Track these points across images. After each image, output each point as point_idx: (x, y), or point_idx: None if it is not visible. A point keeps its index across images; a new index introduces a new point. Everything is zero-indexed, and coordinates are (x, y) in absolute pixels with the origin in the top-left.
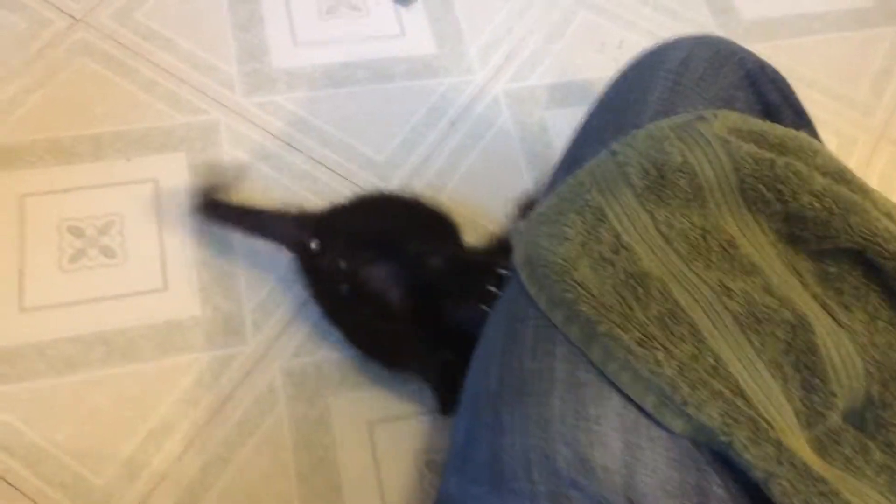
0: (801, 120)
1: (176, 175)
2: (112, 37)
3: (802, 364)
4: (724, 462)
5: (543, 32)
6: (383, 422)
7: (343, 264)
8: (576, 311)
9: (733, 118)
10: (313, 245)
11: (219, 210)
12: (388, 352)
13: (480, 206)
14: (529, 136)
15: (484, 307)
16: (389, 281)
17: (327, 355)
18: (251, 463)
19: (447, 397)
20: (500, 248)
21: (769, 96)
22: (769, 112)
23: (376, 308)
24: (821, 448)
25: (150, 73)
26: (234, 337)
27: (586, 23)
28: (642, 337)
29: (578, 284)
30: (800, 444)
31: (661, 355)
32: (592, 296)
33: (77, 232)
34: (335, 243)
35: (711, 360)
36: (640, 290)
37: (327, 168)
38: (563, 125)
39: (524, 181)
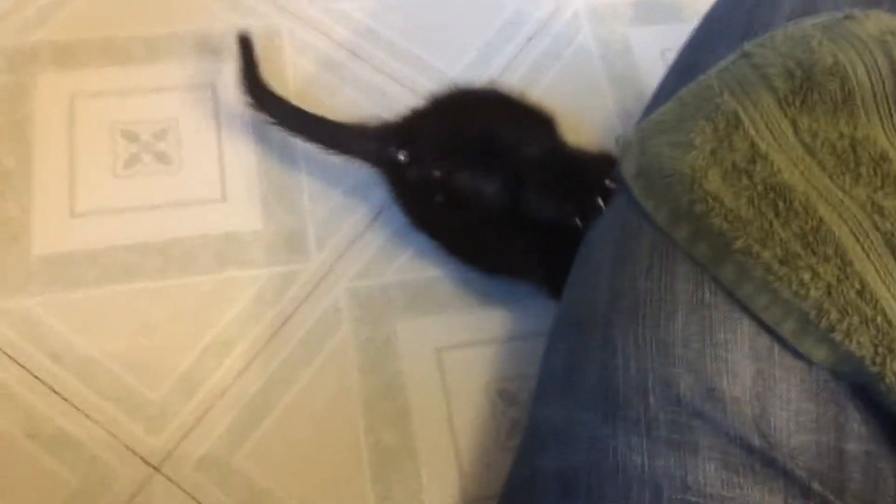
0: None
1: (235, 81)
2: None
3: None
4: (866, 397)
5: None
6: (452, 348)
7: (437, 173)
8: (706, 225)
9: (886, 20)
10: (401, 156)
11: (280, 110)
12: (490, 256)
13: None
14: (612, 55)
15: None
16: (487, 183)
17: (394, 278)
18: (315, 385)
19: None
20: (603, 156)
21: None
22: None
23: (475, 212)
24: None
25: None
26: (296, 253)
27: None
28: (785, 255)
29: (710, 195)
30: None
31: (806, 276)
32: (727, 208)
33: (131, 136)
34: (423, 150)
35: (857, 285)
36: (780, 203)
37: (396, 81)
38: (649, 45)
39: (607, 103)
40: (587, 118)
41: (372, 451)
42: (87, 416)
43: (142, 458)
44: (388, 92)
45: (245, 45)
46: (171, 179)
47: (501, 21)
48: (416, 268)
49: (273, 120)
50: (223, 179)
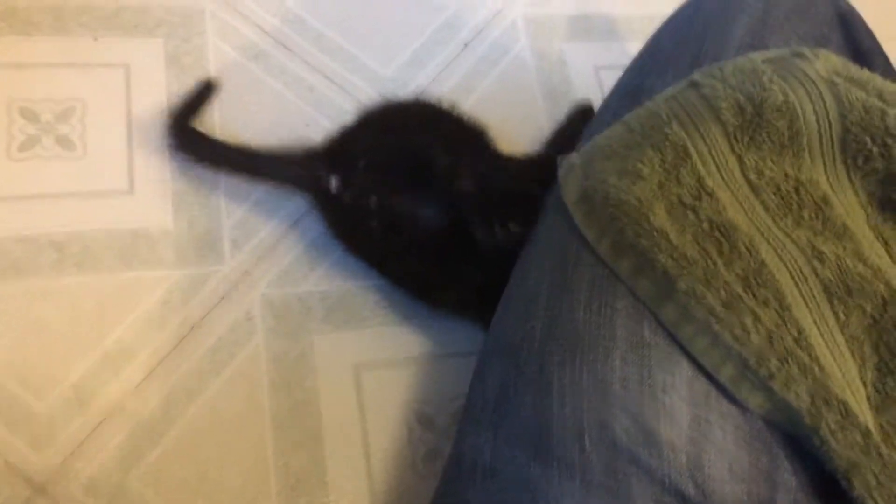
0: (891, 71)
1: (151, 63)
2: None
3: (884, 343)
4: (797, 447)
5: None
6: (371, 366)
7: (374, 199)
8: (650, 261)
9: (834, 60)
10: (333, 183)
11: (203, 148)
12: (423, 285)
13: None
14: (547, 67)
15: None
16: (424, 208)
17: (314, 287)
18: (221, 400)
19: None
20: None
21: (863, 41)
22: (860, 58)
23: (410, 239)
24: (885, 437)
25: None
26: (209, 255)
27: None
28: (728, 297)
29: (656, 230)
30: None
31: (748, 320)
32: (672, 245)
33: (30, 115)
34: (356, 175)
35: (795, 332)
36: (724, 243)
37: (325, 77)
38: (584, 60)
39: (540, 115)
40: (520, 129)
41: (280, 474)
42: None
43: (24, 478)
44: (316, 88)
45: (204, 90)
46: (72, 166)
47: (438, 23)
48: (337, 277)
49: (194, 158)
50: (131, 170)
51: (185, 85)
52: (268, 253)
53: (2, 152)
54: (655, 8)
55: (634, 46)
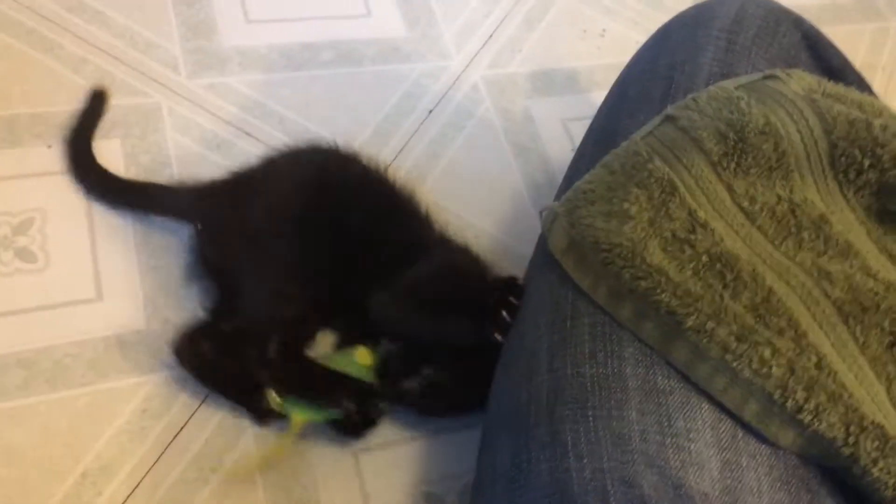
0: (864, 86)
1: (110, 164)
2: (30, 7)
3: None
4: (836, 480)
5: (521, 17)
6: (370, 449)
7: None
8: (652, 303)
9: (808, 79)
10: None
11: (100, 179)
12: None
13: (466, 203)
14: (514, 126)
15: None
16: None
17: None
18: None
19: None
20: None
21: (831, 60)
22: (832, 76)
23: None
24: None
25: (77, 50)
26: None
27: (566, 8)
28: (741, 330)
29: (654, 269)
30: None
31: (766, 352)
32: (674, 283)
33: None
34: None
35: (815, 358)
36: (727, 274)
37: None
38: (550, 115)
39: (513, 175)
40: (494, 190)
41: None
42: None
43: None
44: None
45: (96, 101)
46: (35, 279)
47: (399, 94)
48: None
49: (95, 192)
50: (97, 275)
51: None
52: None
53: None
54: (613, 58)
55: (599, 95)
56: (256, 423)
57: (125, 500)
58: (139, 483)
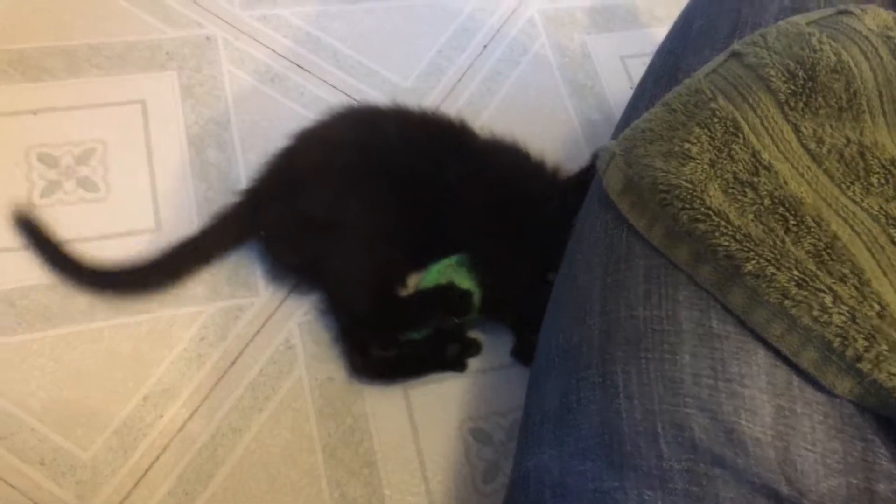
0: None
1: (167, 96)
2: None
3: None
4: (892, 429)
5: None
6: (419, 385)
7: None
8: (710, 247)
9: (883, 15)
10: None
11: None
12: None
13: (519, 139)
14: (571, 62)
15: None
16: None
17: None
18: (269, 433)
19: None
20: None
21: None
22: None
23: None
24: None
25: None
26: (242, 287)
27: None
28: (802, 276)
29: (714, 212)
30: None
31: (828, 299)
32: (734, 226)
33: (50, 161)
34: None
35: (877, 307)
36: (791, 219)
37: (345, 94)
38: (609, 52)
39: (568, 113)
40: (548, 129)
41: None
42: (8, 483)
43: None
44: (335, 105)
45: (29, 227)
46: (96, 208)
47: (454, 29)
48: None
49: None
50: (156, 206)
51: (202, 115)
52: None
53: (24, 200)
54: None
55: (660, 32)
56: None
57: (185, 423)
58: (198, 408)
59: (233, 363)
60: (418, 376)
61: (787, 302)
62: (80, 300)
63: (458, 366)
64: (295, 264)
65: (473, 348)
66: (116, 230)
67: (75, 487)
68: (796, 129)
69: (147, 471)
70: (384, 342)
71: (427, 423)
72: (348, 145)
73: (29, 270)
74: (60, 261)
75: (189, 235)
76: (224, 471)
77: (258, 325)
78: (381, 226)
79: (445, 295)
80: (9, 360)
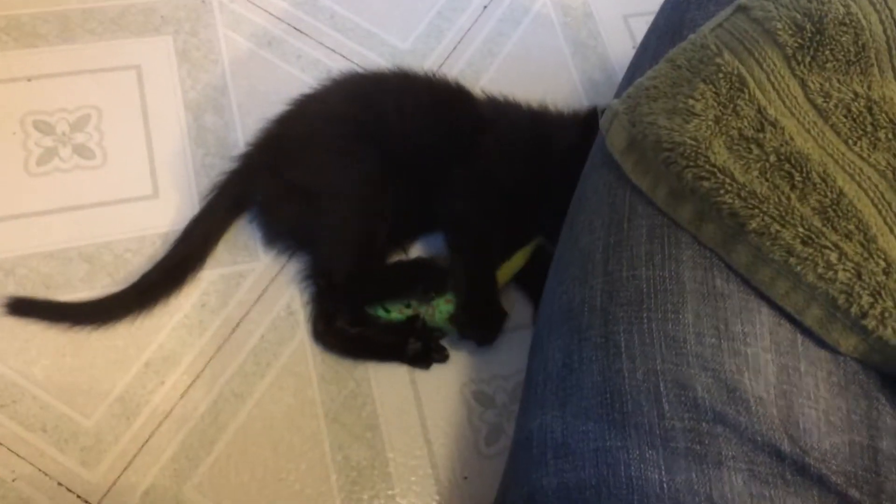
0: None
1: (162, 61)
2: None
3: None
4: None
5: None
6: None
7: None
8: (714, 205)
9: None
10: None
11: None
12: None
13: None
14: (573, 21)
15: None
16: None
17: None
18: (271, 399)
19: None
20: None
21: None
22: None
23: None
24: None
25: None
26: (242, 253)
27: None
28: (807, 233)
29: (718, 169)
30: None
31: (833, 256)
32: (739, 183)
33: (45, 128)
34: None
35: (882, 263)
36: (796, 175)
37: (342, 57)
38: (611, 10)
39: (570, 73)
40: (551, 89)
41: (340, 469)
42: (11, 451)
43: (77, 496)
44: (333, 69)
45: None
46: (93, 175)
47: None
48: None
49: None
50: (153, 172)
51: (199, 80)
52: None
53: (20, 168)
54: None
55: None
56: (423, 366)
57: (187, 389)
58: (200, 374)
59: (234, 329)
60: (374, 361)
61: (791, 259)
62: (80, 268)
63: (421, 363)
64: (285, 231)
65: (438, 354)
66: (114, 197)
67: (79, 454)
68: (803, 84)
69: (150, 437)
70: (352, 316)
71: (429, 386)
72: (341, 118)
73: (27, 239)
74: (71, 313)
75: (182, 229)
76: (226, 437)
77: (259, 291)
78: (368, 198)
79: (423, 268)
80: (10, 329)
